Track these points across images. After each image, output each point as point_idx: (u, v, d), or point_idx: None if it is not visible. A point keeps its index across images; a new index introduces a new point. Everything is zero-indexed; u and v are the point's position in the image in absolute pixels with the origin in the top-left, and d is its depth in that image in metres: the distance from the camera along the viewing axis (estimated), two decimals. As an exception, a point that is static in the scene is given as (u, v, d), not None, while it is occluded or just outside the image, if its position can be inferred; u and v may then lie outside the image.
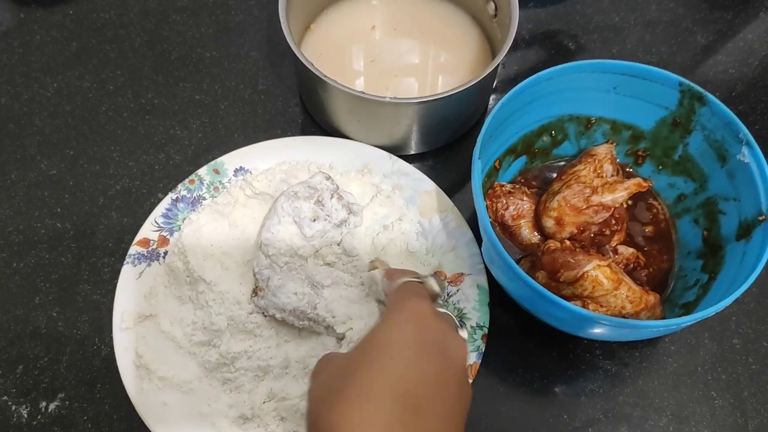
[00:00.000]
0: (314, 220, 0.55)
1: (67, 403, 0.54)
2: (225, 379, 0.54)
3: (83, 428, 0.54)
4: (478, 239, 0.57)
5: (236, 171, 0.61)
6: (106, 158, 0.65)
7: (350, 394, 0.35)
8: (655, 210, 0.62)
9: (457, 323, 0.44)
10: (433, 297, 0.47)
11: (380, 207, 0.60)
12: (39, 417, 0.54)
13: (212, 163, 0.61)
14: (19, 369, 0.56)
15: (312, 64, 0.57)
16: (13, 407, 0.54)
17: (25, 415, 0.54)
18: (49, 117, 0.67)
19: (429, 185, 0.60)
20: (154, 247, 0.58)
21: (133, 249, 0.57)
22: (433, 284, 0.47)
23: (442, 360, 0.39)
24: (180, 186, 0.60)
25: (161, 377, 0.53)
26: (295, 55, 0.58)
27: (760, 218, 0.51)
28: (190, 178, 0.61)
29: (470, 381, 0.44)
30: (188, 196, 0.60)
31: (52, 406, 0.54)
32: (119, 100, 0.68)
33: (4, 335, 0.57)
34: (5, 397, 0.54)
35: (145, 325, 0.55)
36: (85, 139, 0.66)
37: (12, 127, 0.66)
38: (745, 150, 0.53)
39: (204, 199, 0.60)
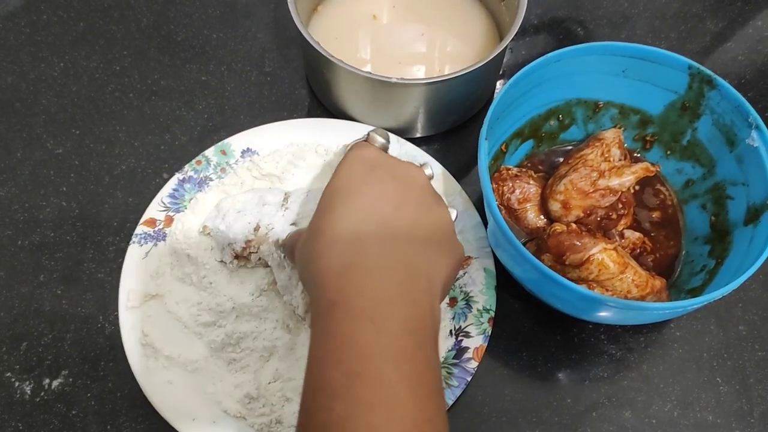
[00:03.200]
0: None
1: (70, 380, 0.54)
2: (230, 359, 0.54)
3: (86, 405, 0.54)
4: (485, 223, 0.57)
5: (243, 152, 0.61)
6: (111, 138, 0.65)
7: (323, 225, 0.41)
8: (662, 195, 0.61)
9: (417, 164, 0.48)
10: (383, 148, 0.50)
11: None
12: (42, 394, 0.54)
13: (219, 144, 0.61)
14: (23, 346, 0.56)
15: (319, 45, 0.57)
16: (17, 384, 0.54)
17: (29, 392, 0.54)
18: (56, 97, 0.67)
19: (436, 168, 0.60)
20: (161, 227, 0.58)
21: (140, 228, 0.57)
22: (376, 136, 0.49)
23: (395, 181, 0.43)
24: (187, 167, 0.60)
25: (167, 356, 0.53)
26: (303, 36, 0.57)
27: (769, 202, 0.50)
28: (197, 158, 0.60)
29: (442, 204, 0.47)
30: (195, 176, 0.60)
31: (55, 383, 0.54)
32: (125, 81, 0.68)
33: (8, 312, 0.57)
34: (9, 374, 0.54)
35: (151, 304, 0.55)
36: (91, 118, 0.66)
37: (18, 106, 0.66)
38: (754, 134, 0.52)
39: (211, 180, 0.60)
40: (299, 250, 0.43)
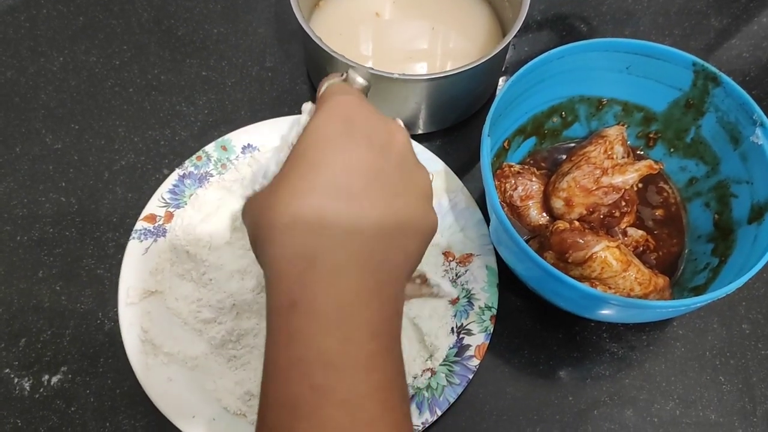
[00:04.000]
0: None
1: (69, 376, 0.54)
2: (231, 356, 0.53)
3: (86, 402, 0.53)
4: (488, 220, 0.57)
5: (244, 148, 0.61)
6: (111, 133, 0.65)
7: (283, 194, 0.35)
8: (665, 193, 0.61)
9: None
10: (364, 90, 0.44)
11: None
12: (41, 390, 0.54)
13: (220, 140, 0.61)
14: (21, 342, 0.55)
15: (321, 40, 0.56)
16: (16, 380, 0.54)
17: (28, 388, 0.54)
18: (55, 91, 0.67)
19: (438, 165, 0.60)
20: (161, 223, 0.57)
21: (140, 224, 0.57)
22: (356, 77, 0.43)
23: (372, 147, 0.37)
24: (187, 162, 0.60)
25: (167, 353, 0.53)
26: (304, 31, 0.57)
27: (774, 200, 0.50)
28: (198, 154, 0.60)
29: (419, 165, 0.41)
30: (195, 172, 0.60)
31: (54, 380, 0.54)
32: (125, 76, 0.68)
33: (7, 309, 0.57)
34: (8, 370, 0.54)
35: (150, 300, 0.55)
36: (91, 113, 0.65)
37: (17, 100, 0.66)
38: (758, 131, 0.52)
39: (211, 175, 0.60)
40: (252, 210, 0.37)
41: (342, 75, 0.43)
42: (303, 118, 0.42)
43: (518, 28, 0.57)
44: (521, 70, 0.53)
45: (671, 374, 0.56)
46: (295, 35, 0.70)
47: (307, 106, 0.43)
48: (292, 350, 0.32)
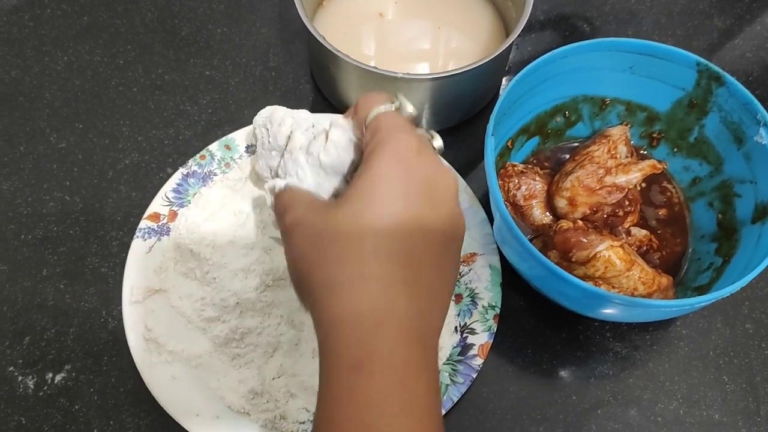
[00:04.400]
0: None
1: (73, 374, 0.54)
2: (234, 355, 0.53)
3: (89, 400, 0.53)
4: (491, 220, 0.57)
5: (247, 147, 0.61)
6: (115, 132, 0.65)
7: (341, 253, 0.34)
8: (669, 193, 0.61)
9: (431, 135, 0.41)
10: (410, 120, 0.41)
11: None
12: (45, 388, 0.54)
13: (223, 139, 0.61)
14: (25, 340, 0.55)
15: (324, 39, 0.56)
16: (20, 378, 0.54)
17: (32, 386, 0.54)
18: (59, 90, 0.67)
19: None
20: (165, 221, 0.57)
21: (144, 223, 0.57)
22: (406, 105, 0.41)
23: (431, 201, 0.37)
24: (191, 161, 0.60)
25: (170, 351, 0.53)
26: (308, 30, 0.57)
27: (777, 200, 0.50)
28: (201, 153, 0.60)
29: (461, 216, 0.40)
30: (199, 171, 0.60)
31: (58, 378, 0.54)
32: (129, 75, 0.68)
33: (11, 307, 0.57)
34: (12, 368, 0.54)
35: (154, 299, 0.55)
36: (95, 113, 0.66)
37: (22, 100, 0.66)
38: (762, 131, 0.52)
39: (215, 174, 0.60)
40: (301, 242, 0.37)
41: (393, 102, 0.41)
42: (334, 135, 0.42)
43: (521, 28, 0.57)
44: (525, 70, 0.53)
45: (675, 374, 0.56)
46: (297, 35, 0.71)
47: (339, 120, 0.43)
48: (354, 407, 0.33)
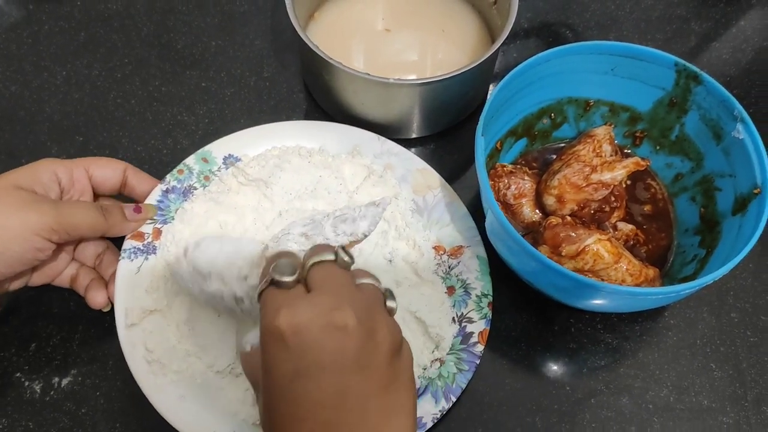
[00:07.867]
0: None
1: (79, 379, 0.55)
2: (237, 374, 0.53)
3: (95, 404, 0.55)
4: (474, 215, 0.59)
5: (225, 159, 0.61)
6: (115, 143, 0.66)
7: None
8: (653, 190, 0.63)
9: (384, 293, 0.40)
10: (347, 267, 0.41)
11: (373, 187, 0.61)
12: (52, 393, 0.55)
13: (200, 151, 0.60)
14: (32, 347, 0.57)
15: (317, 47, 0.58)
16: (27, 383, 0.55)
17: (38, 391, 0.55)
18: (59, 104, 0.68)
19: (418, 163, 0.61)
20: (149, 240, 0.56)
21: (128, 243, 0.55)
22: (344, 257, 0.40)
23: (381, 386, 0.37)
24: (169, 176, 0.59)
25: (175, 371, 0.52)
26: (301, 40, 0.59)
27: (755, 191, 0.52)
28: (179, 168, 0.60)
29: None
30: (179, 186, 0.59)
31: (64, 382, 0.55)
32: (127, 88, 0.70)
33: (17, 315, 0.58)
34: (18, 374, 0.55)
35: (150, 319, 0.54)
36: (94, 125, 0.67)
37: (23, 114, 0.68)
38: (739, 126, 0.54)
39: (195, 188, 0.59)
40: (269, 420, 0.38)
41: (333, 256, 0.40)
42: (268, 253, 0.45)
43: (506, 35, 0.60)
44: (511, 74, 0.55)
45: (664, 362, 0.57)
46: (290, 46, 0.73)
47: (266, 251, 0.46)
48: None
